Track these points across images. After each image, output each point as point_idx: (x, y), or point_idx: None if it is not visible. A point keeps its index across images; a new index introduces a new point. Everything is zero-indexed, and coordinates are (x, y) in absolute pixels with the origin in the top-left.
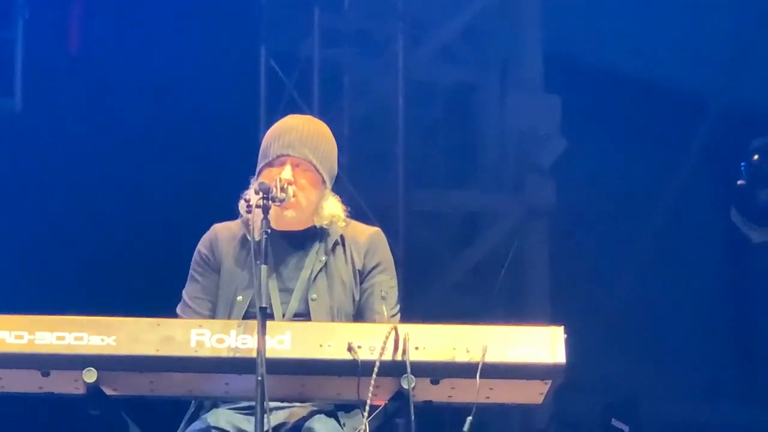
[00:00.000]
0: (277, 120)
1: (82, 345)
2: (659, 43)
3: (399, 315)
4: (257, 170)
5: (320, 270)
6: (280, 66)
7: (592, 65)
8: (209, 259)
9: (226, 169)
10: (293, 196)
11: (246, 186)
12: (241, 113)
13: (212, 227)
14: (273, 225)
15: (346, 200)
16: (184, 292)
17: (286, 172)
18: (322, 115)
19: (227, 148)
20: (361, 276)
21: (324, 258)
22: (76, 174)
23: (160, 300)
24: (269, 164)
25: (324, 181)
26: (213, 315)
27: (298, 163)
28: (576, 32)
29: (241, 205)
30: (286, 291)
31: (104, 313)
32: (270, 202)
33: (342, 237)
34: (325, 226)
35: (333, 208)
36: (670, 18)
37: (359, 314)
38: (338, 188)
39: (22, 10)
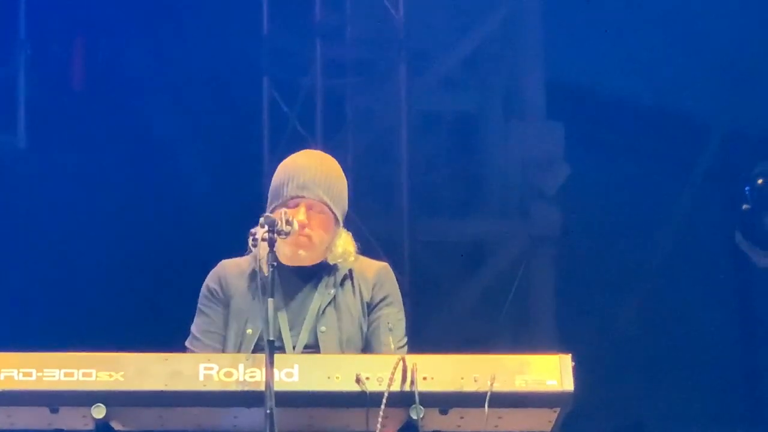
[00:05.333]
0: (280, 152)
1: (91, 381)
2: (661, 68)
3: (406, 348)
4: (270, 209)
5: (329, 303)
6: (283, 97)
7: (595, 92)
8: (218, 294)
9: (231, 201)
10: (307, 236)
11: (253, 218)
12: (245, 145)
13: (220, 263)
14: (287, 262)
15: (350, 230)
16: (193, 327)
17: (301, 214)
18: (326, 146)
19: (231, 182)
20: (369, 309)
21: (332, 291)
22: (80, 211)
23: (167, 335)
24: (283, 204)
25: (337, 220)
26: (223, 348)
27: (311, 205)
28: (577, 59)
29: (249, 240)
30: (295, 324)
31: (111, 348)
32: (276, 235)
33: (350, 271)
34: (336, 263)
35: (345, 246)
36: (672, 44)
37: (367, 346)
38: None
39: (24, 47)
